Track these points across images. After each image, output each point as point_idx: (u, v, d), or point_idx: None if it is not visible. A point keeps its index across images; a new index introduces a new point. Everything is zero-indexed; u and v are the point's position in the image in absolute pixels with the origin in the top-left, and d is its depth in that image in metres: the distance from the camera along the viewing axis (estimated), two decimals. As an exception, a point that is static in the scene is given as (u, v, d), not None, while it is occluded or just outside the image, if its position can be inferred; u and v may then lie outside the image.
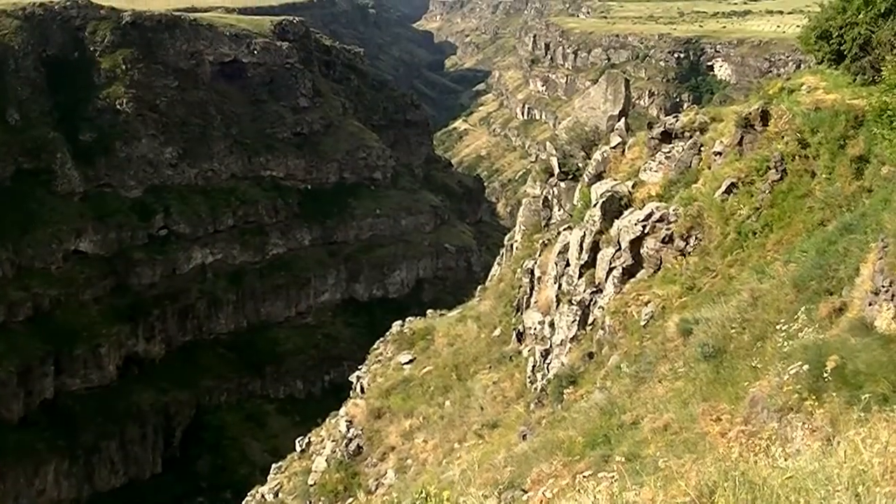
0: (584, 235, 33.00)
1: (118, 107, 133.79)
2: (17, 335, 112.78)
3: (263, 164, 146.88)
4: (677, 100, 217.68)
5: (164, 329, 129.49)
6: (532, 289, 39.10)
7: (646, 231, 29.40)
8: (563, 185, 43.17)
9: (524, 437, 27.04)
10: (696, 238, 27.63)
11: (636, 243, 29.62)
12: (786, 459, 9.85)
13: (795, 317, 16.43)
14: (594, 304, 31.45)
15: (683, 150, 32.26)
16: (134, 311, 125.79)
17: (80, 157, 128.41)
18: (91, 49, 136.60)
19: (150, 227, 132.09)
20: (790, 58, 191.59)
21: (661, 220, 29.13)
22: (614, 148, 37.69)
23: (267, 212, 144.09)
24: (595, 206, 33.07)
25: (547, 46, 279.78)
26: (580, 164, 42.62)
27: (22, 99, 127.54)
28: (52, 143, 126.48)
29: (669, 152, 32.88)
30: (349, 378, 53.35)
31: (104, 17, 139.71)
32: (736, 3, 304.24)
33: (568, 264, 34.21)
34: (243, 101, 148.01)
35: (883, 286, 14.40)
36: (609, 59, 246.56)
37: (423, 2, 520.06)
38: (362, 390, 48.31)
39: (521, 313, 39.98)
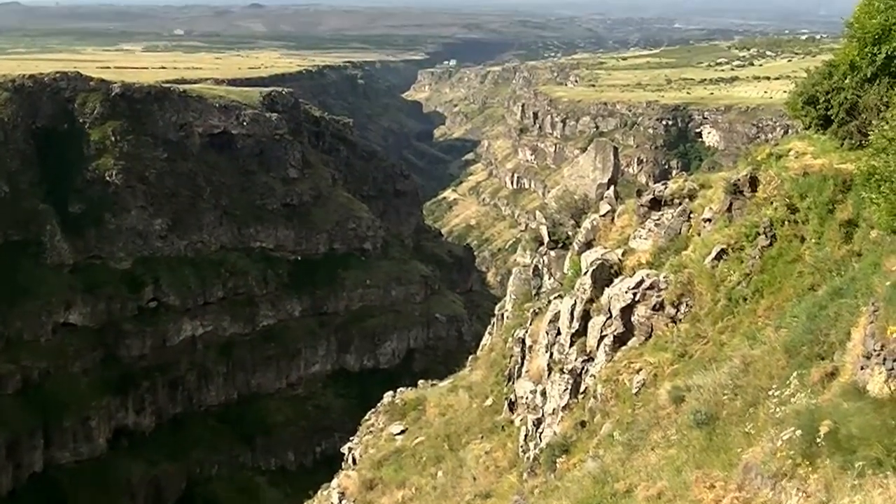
0: (574, 304, 32.97)
1: (108, 178, 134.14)
2: (5, 407, 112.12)
3: (253, 235, 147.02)
4: (666, 167, 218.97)
5: (154, 401, 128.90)
6: (523, 358, 38.99)
7: (636, 299, 29.38)
8: (553, 253, 43.23)
9: (517, 507, 26.80)
10: (687, 305, 27.62)
11: (627, 311, 29.59)
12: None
13: (787, 382, 16.40)
14: (586, 372, 31.34)
15: (673, 217, 32.35)
16: (123, 383, 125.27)
17: (70, 228, 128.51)
18: (81, 121, 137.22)
19: (139, 298, 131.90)
20: (778, 123, 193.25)
21: (651, 287, 29.13)
22: (604, 216, 37.80)
23: (257, 283, 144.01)
24: (585, 274, 33.07)
25: (535, 115, 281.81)
26: (570, 233, 42.71)
27: (11, 170, 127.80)
28: (42, 215, 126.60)
29: (659, 219, 32.97)
30: (341, 449, 53.02)
31: (94, 89, 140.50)
32: (723, 70, 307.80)
33: (559, 333, 34.13)
34: (233, 172, 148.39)
35: (874, 350, 14.37)
36: (597, 127, 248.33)
37: (412, 72, 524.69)
38: (354, 461, 47.96)
39: (513, 382, 39.82)
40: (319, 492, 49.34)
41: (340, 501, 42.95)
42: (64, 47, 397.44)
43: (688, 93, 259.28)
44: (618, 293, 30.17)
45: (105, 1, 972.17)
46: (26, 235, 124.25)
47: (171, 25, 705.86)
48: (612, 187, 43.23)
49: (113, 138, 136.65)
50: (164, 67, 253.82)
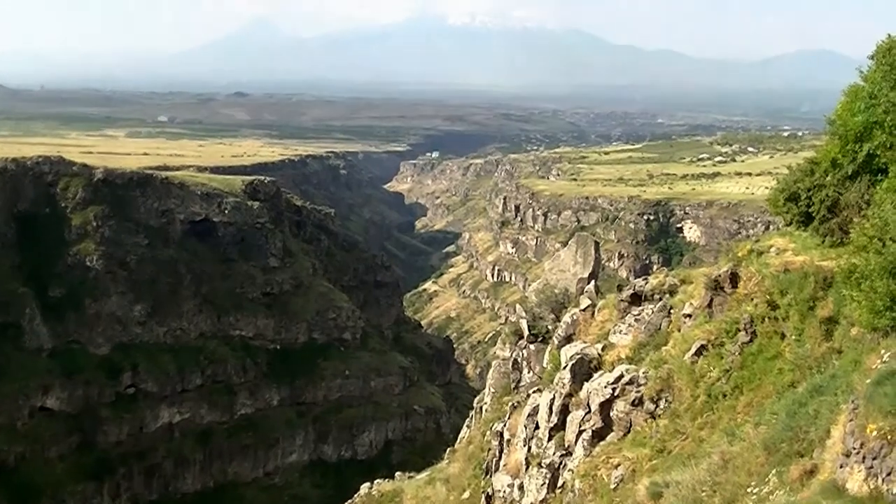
0: (553, 398, 32.90)
1: (88, 263, 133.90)
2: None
3: (233, 324, 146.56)
4: (647, 262, 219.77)
5: (130, 487, 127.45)
6: (501, 451, 38.79)
7: (616, 394, 29.35)
8: (532, 347, 43.22)
9: None
10: (667, 400, 27.60)
11: (606, 406, 29.54)
12: None
13: (766, 479, 16.36)
14: (564, 466, 31.18)
15: (653, 312, 32.46)
16: (100, 469, 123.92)
17: (49, 312, 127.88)
18: (63, 205, 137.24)
19: (117, 384, 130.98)
20: (759, 219, 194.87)
21: (630, 382, 29.12)
22: (584, 310, 37.90)
23: (235, 371, 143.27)
24: (565, 368, 33.06)
25: (517, 208, 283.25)
26: (550, 327, 42.77)
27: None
28: (22, 299, 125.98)
29: (639, 315, 33.08)
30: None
31: (76, 174, 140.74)
32: (705, 166, 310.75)
33: (537, 427, 34.00)
34: (213, 260, 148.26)
35: (854, 448, 14.39)
36: (579, 221, 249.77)
37: (395, 163, 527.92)
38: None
39: (491, 476, 39.56)
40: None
41: None
42: (48, 131, 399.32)
43: (669, 188, 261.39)
44: (597, 388, 30.13)
45: (90, 86, 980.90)
46: (5, 318, 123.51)
47: (155, 112, 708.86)
48: (592, 282, 43.43)
49: (94, 223, 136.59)
50: (147, 154, 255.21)
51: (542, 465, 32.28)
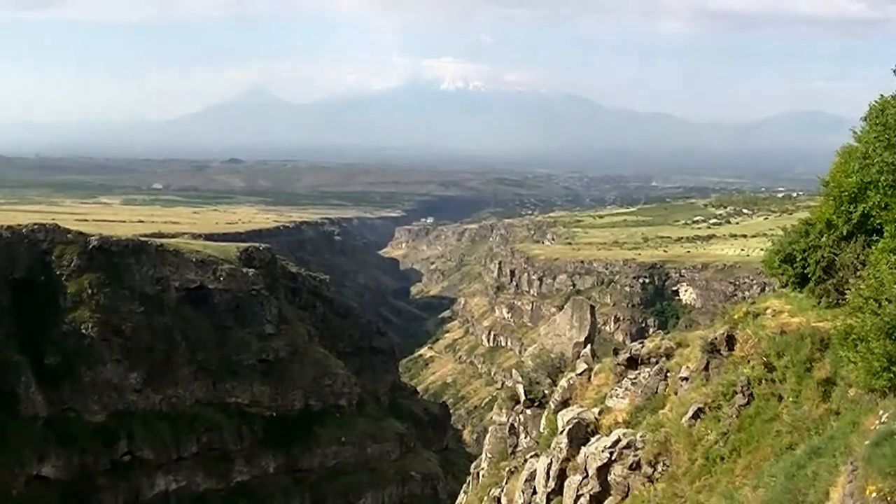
0: (550, 463, 32.76)
1: (83, 331, 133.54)
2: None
3: (228, 391, 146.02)
4: (643, 325, 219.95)
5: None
6: (499, 517, 38.50)
7: (613, 458, 29.24)
8: (529, 412, 43.09)
9: None
10: (664, 464, 27.49)
11: (603, 470, 29.41)
12: None
13: (766, 543, 16.28)
14: (563, 532, 30.96)
15: (650, 376, 32.43)
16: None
17: (45, 380, 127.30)
18: (58, 272, 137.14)
19: (113, 452, 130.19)
20: (755, 281, 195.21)
21: (628, 446, 29.02)
22: (580, 375, 37.85)
23: (231, 438, 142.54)
24: (562, 433, 32.95)
25: (512, 273, 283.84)
26: (546, 392, 42.66)
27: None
28: (16, 366, 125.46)
29: (636, 378, 33.05)
30: None
31: (71, 241, 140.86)
32: (700, 228, 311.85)
33: (535, 492, 33.83)
34: (209, 327, 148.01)
35: (853, 510, 14.34)
36: (574, 285, 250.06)
37: (389, 229, 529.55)
38: None
39: (489, 542, 39.25)
40: None
41: None
42: (42, 199, 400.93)
43: (665, 251, 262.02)
44: (594, 452, 30.03)
45: (85, 154, 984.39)
46: (1, 386, 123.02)
47: (150, 179, 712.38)
48: (588, 346, 43.40)
49: (89, 291, 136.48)
50: (141, 221, 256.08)
51: (541, 530, 32.05)
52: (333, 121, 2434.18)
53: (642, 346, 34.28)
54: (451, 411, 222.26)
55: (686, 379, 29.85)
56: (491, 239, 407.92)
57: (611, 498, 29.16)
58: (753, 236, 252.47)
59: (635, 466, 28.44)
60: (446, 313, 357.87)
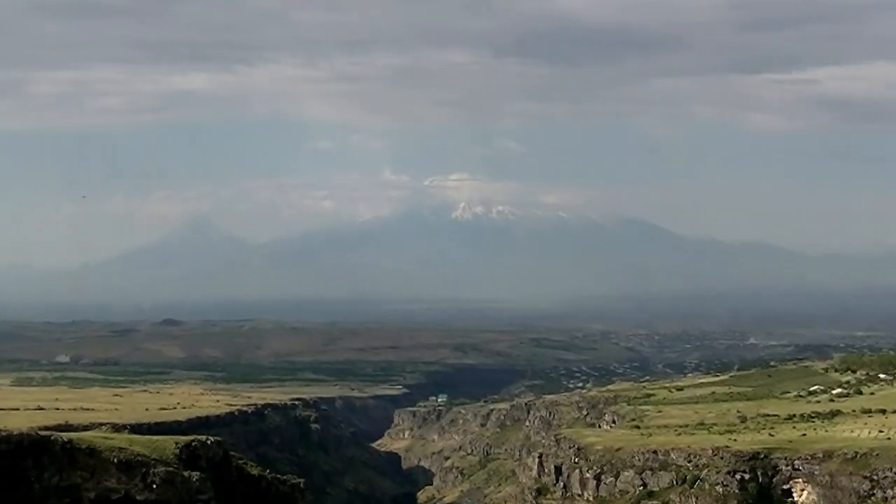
0: None
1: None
2: None
3: None
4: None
5: None
6: None
7: None
8: None
9: None
10: None
11: None
12: None
13: None
14: None
15: None
16: None
17: None
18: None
19: None
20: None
21: None
22: None
23: None
24: None
25: (558, 470, 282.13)
26: None
27: None
28: None
29: None
30: None
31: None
32: (819, 402, 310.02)
33: None
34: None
35: None
36: (646, 485, 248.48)
37: (386, 413, 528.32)
38: None
39: None
40: None
41: None
42: None
43: (770, 434, 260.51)
44: None
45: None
46: None
47: (53, 350, 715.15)
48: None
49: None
50: (41, 408, 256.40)
51: None
52: (305, 264, 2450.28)
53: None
54: None
55: None
56: (527, 423, 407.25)
57: None
58: (895, 411, 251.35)
59: None
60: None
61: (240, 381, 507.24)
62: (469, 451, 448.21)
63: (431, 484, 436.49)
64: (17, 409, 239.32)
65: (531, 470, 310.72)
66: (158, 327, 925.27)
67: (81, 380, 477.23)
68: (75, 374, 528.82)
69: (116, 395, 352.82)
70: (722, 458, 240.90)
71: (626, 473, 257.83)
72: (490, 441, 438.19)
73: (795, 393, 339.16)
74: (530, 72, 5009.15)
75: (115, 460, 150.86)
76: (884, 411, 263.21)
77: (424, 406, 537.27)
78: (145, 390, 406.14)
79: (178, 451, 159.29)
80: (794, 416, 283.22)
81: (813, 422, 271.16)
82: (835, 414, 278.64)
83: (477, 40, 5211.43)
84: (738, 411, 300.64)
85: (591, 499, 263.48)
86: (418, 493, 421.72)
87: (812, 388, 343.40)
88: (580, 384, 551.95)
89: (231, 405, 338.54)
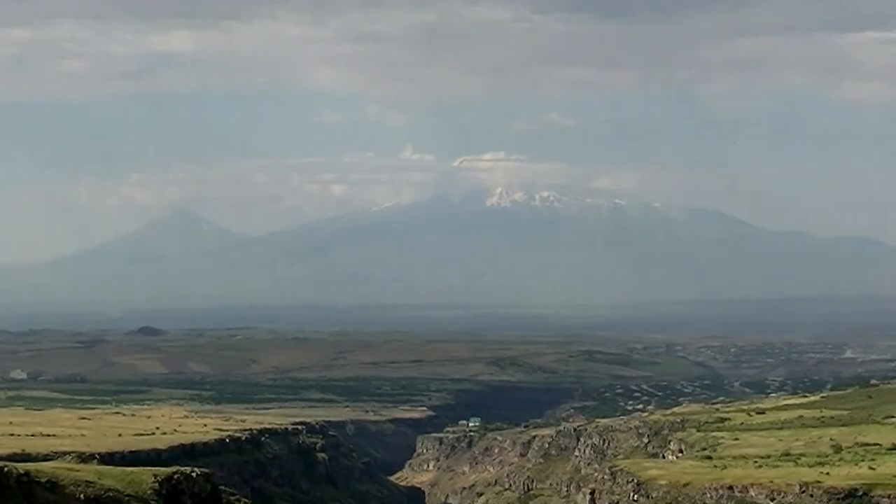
0: None
1: None
2: None
3: None
4: None
5: None
6: None
7: None
8: None
9: None
10: None
11: None
12: None
13: None
14: None
15: None
16: None
17: None
18: None
19: None
20: None
21: None
22: None
23: None
24: None
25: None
26: None
27: None
28: None
29: None
30: None
31: None
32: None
33: None
34: None
35: None
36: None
37: (407, 439, 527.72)
38: None
39: None
40: None
41: None
42: None
43: (871, 468, 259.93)
44: None
45: None
46: None
47: (7, 364, 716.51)
48: None
49: None
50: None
51: None
52: (310, 262, 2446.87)
53: None
54: None
55: None
56: (577, 452, 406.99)
57: None
58: None
59: None
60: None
61: (231, 402, 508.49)
62: (506, 485, 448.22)
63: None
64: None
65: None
66: (134, 337, 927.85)
67: (41, 400, 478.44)
68: (33, 392, 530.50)
69: (83, 419, 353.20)
70: (812, 496, 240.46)
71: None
72: (531, 474, 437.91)
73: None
74: (580, 31, 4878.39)
75: (82, 496, 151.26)
76: None
77: (453, 432, 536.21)
78: (118, 412, 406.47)
79: (157, 485, 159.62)
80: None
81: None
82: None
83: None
84: (831, 439, 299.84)
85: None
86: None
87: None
88: (640, 406, 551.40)
89: (221, 430, 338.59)
